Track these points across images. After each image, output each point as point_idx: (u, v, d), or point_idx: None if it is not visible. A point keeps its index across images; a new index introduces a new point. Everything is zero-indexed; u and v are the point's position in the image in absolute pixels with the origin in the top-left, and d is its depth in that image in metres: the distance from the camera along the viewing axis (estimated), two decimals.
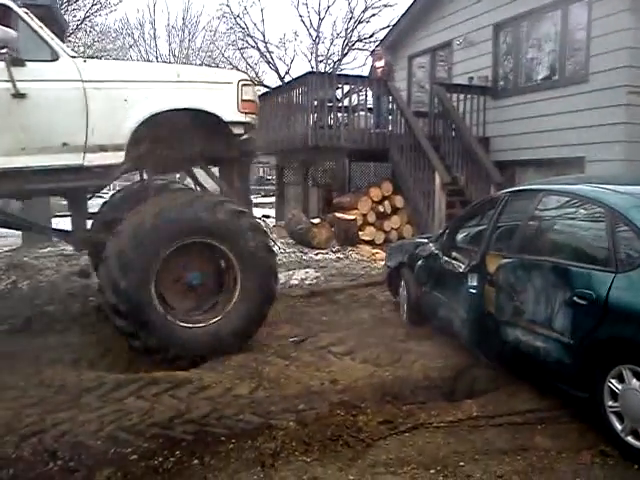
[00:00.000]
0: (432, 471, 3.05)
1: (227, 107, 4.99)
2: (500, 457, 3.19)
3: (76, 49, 20.21)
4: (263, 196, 31.37)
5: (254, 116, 5.20)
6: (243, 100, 5.03)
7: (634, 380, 3.13)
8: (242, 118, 5.07)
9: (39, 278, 7.70)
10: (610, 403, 3.28)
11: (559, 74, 10.14)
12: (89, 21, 19.26)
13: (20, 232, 9.95)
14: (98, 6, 18.63)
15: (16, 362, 4.58)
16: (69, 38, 18.06)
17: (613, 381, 3.25)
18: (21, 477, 3.01)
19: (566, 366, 3.54)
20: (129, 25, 36.61)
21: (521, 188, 4.93)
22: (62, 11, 15.38)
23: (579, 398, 3.51)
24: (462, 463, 3.13)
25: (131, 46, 34.91)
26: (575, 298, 3.45)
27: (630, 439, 3.15)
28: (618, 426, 3.23)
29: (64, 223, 14.52)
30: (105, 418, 3.56)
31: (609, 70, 8.90)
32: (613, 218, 3.45)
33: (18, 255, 9.23)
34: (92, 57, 21.97)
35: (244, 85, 5.09)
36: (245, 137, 5.21)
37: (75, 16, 17.80)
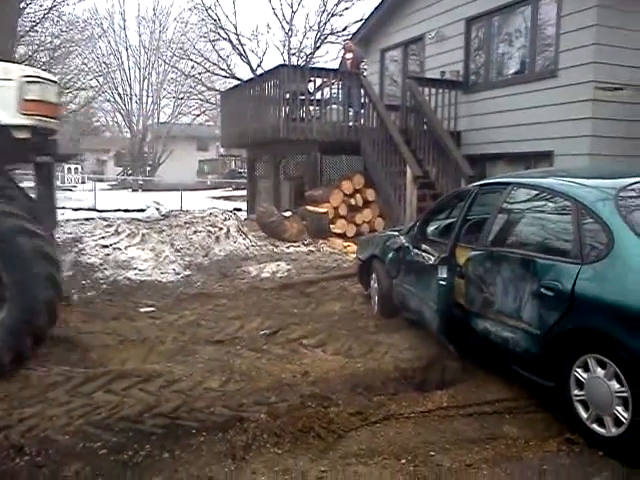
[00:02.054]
0: (403, 461, 3.08)
1: (3, 108, 4.28)
2: (469, 446, 3.24)
3: (43, 39, 19.84)
4: (234, 189, 31.25)
5: (45, 118, 4.50)
6: (26, 100, 4.32)
7: (599, 369, 3.20)
8: (24, 121, 4.36)
9: None
10: (576, 392, 3.34)
11: (529, 69, 10.25)
12: (56, 10, 18.81)
13: None
14: None
15: None
16: (35, 28, 17.64)
17: (579, 370, 3.32)
18: None
19: (533, 356, 3.60)
20: (98, 15, 36.23)
21: (490, 181, 4.99)
22: (28, 0, 15.03)
23: (546, 387, 3.57)
24: (432, 453, 3.16)
25: (100, 37, 34.54)
26: (542, 289, 3.51)
27: (595, 427, 3.22)
28: (584, 414, 3.29)
29: None
30: (73, 413, 3.53)
31: (577, 66, 9.02)
32: (579, 211, 3.51)
33: None
34: (59, 47, 21.61)
35: (29, 82, 4.35)
36: (46, 139, 4.62)
37: (42, 5, 17.38)
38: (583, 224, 3.47)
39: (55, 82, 4.83)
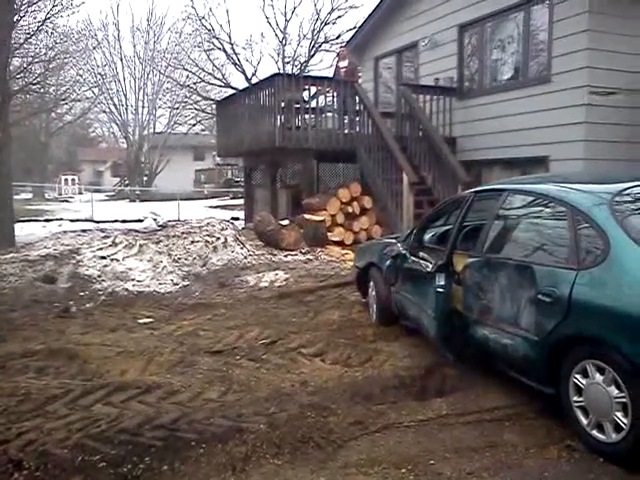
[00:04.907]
0: (403, 470, 3.07)
1: None
2: (470, 454, 3.22)
3: (37, 51, 19.83)
4: (232, 198, 31.27)
5: None
6: None
7: (598, 375, 3.19)
8: None
9: (2, 284, 7.54)
10: (575, 398, 3.34)
11: (523, 75, 10.31)
12: (50, 22, 18.78)
13: None
14: (59, 7, 18.17)
15: None
16: (30, 40, 17.63)
17: (578, 376, 3.31)
18: None
19: (532, 363, 3.60)
20: (92, 26, 36.29)
21: (486, 188, 4.99)
22: (22, 12, 15.00)
23: (545, 394, 3.57)
24: (432, 461, 3.15)
25: (94, 48, 34.56)
26: (540, 296, 3.51)
27: (595, 433, 3.21)
28: (584, 420, 3.29)
29: (28, 228, 14.25)
30: (72, 426, 3.50)
31: (570, 71, 9.09)
32: (575, 216, 3.52)
33: None
34: (54, 59, 21.62)
35: None
36: None
37: (35, 17, 17.35)
38: (579, 230, 3.47)
39: None
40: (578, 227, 3.47)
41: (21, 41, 16.75)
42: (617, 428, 3.09)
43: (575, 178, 4.70)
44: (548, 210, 3.89)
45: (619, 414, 3.08)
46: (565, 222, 3.59)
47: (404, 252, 5.32)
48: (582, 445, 3.26)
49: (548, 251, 3.72)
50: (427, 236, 5.32)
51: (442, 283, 4.36)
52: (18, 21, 14.88)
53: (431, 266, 4.61)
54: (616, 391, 3.09)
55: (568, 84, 9.13)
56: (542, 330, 3.50)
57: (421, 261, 4.91)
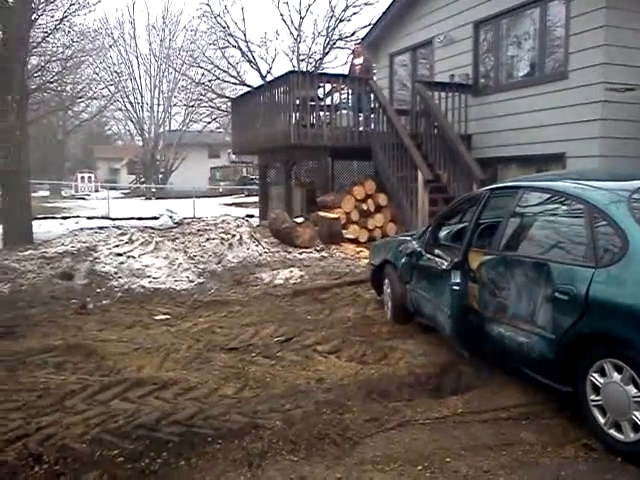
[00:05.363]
0: (419, 467, 3.07)
1: None
2: (486, 452, 3.22)
3: (55, 50, 20.01)
4: (247, 195, 31.36)
5: None
6: None
7: (615, 374, 3.17)
8: None
9: (20, 281, 7.63)
10: (593, 397, 3.32)
11: (539, 71, 10.23)
12: (67, 21, 18.95)
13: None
14: (77, 6, 18.30)
15: None
16: (47, 39, 17.80)
17: (595, 375, 3.29)
18: None
19: (549, 361, 3.58)
20: (108, 25, 36.60)
21: (502, 185, 4.96)
22: (40, 11, 15.15)
23: (562, 393, 3.55)
24: (448, 459, 3.15)
25: (111, 46, 34.84)
26: (556, 294, 3.49)
27: (613, 432, 3.19)
28: (601, 419, 3.27)
29: (45, 225, 14.41)
30: (90, 421, 3.55)
31: (587, 67, 9.00)
32: (592, 214, 3.49)
33: None
34: (71, 57, 21.80)
35: None
36: None
37: (53, 16, 17.51)
38: (596, 227, 3.45)
39: None
40: (595, 224, 3.45)
41: (39, 39, 16.92)
42: (635, 427, 3.07)
43: (592, 175, 4.67)
44: (565, 207, 3.86)
45: (637, 413, 3.06)
46: (582, 219, 3.57)
47: (419, 249, 5.31)
48: (599, 444, 3.24)
49: (565, 249, 3.70)
50: (442, 234, 5.31)
51: (458, 280, 4.35)
52: (36, 20, 15.03)
53: (447, 263, 4.60)
54: (634, 390, 3.07)
55: (585, 80, 9.04)
56: (559, 328, 3.48)
57: (436, 258, 4.90)
